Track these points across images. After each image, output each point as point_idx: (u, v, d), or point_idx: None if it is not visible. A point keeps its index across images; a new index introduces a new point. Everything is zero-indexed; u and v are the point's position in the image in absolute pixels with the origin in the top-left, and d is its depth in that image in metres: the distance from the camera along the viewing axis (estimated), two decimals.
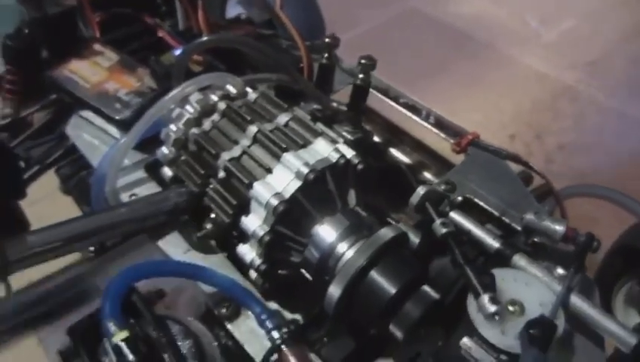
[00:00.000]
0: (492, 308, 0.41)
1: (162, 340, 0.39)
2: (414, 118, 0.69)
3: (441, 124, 0.68)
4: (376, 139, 0.72)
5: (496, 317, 0.41)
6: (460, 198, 0.58)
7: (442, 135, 0.67)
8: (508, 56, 1.70)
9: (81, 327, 0.40)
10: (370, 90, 0.71)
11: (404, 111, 0.70)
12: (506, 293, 0.44)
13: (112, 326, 0.38)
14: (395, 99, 0.71)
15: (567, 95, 1.56)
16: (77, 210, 0.82)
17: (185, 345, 0.41)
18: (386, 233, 0.50)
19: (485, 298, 0.41)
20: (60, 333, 0.43)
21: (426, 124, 0.68)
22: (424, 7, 1.92)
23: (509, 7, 1.92)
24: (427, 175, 0.69)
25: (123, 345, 0.37)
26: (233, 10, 1.06)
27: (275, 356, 0.46)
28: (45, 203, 1.19)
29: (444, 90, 1.50)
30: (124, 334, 0.38)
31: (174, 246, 0.56)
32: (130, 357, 0.37)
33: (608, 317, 0.42)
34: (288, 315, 0.54)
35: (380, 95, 0.72)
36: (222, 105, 0.58)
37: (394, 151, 0.71)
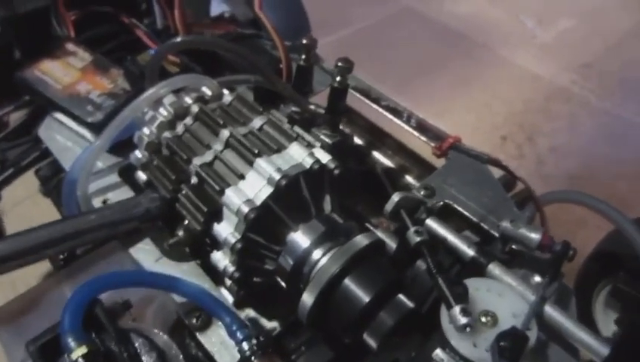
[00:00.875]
0: (464, 320, 0.40)
1: (124, 355, 0.38)
2: (396, 120, 0.68)
3: (422, 127, 0.67)
4: (358, 141, 0.71)
5: (468, 329, 0.40)
6: (440, 203, 0.57)
7: (423, 138, 0.66)
8: (502, 56, 1.69)
9: (39, 341, 0.39)
10: (352, 91, 0.70)
11: (385, 113, 0.68)
12: (479, 304, 0.43)
13: (70, 341, 0.37)
14: (377, 101, 0.70)
15: (561, 97, 1.55)
16: (56, 213, 0.81)
17: (148, 359, 0.39)
18: (361, 240, 0.49)
19: (457, 309, 0.40)
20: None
21: (407, 127, 0.67)
22: (419, 7, 1.90)
23: (506, 7, 1.90)
24: (409, 178, 0.68)
25: (81, 361, 0.36)
26: (218, 8, 1.04)
27: None
28: (27, 204, 1.17)
29: (437, 90, 1.49)
30: (83, 350, 0.37)
31: (146, 254, 0.55)
32: None
33: (581, 327, 0.42)
34: (265, 323, 0.53)
35: (361, 97, 0.71)
36: (195, 108, 0.57)
37: (376, 154, 0.70)
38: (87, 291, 0.40)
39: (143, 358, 0.39)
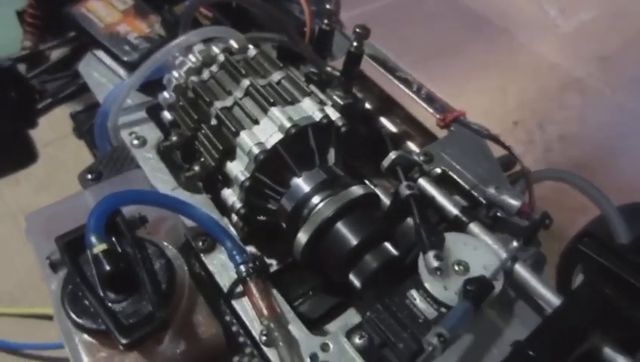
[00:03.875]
0: (435, 264, 0.45)
1: (137, 256, 0.44)
2: (406, 90, 0.71)
3: (430, 99, 0.71)
4: (368, 106, 0.76)
5: (438, 273, 0.45)
6: (438, 170, 0.62)
7: (430, 110, 0.69)
8: (521, 43, 1.68)
9: (67, 238, 0.45)
10: (368, 59, 0.74)
11: (397, 83, 0.72)
12: (454, 254, 0.48)
13: (93, 239, 0.43)
14: (391, 71, 0.74)
15: (575, 87, 1.55)
16: (88, 153, 0.87)
17: (158, 264, 0.45)
18: (356, 190, 0.53)
19: (431, 254, 0.45)
20: (52, 243, 0.48)
21: (416, 98, 0.71)
22: None
23: None
24: (411, 145, 0.72)
25: (101, 255, 0.42)
26: None
27: (240, 287, 0.51)
28: (55, 145, 1.25)
29: (453, 72, 1.50)
30: (104, 246, 0.43)
31: (164, 183, 0.60)
32: (107, 267, 0.42)
33: (542, 283, 0.46)
34: (265, 260, 0.59)
35: (376, 65, 0.74)
36: (221, 58, 0.62)
37: (383, 120, 0.74)
38: (112, 200, 0.46)
39: (154, 262, 0.45)
